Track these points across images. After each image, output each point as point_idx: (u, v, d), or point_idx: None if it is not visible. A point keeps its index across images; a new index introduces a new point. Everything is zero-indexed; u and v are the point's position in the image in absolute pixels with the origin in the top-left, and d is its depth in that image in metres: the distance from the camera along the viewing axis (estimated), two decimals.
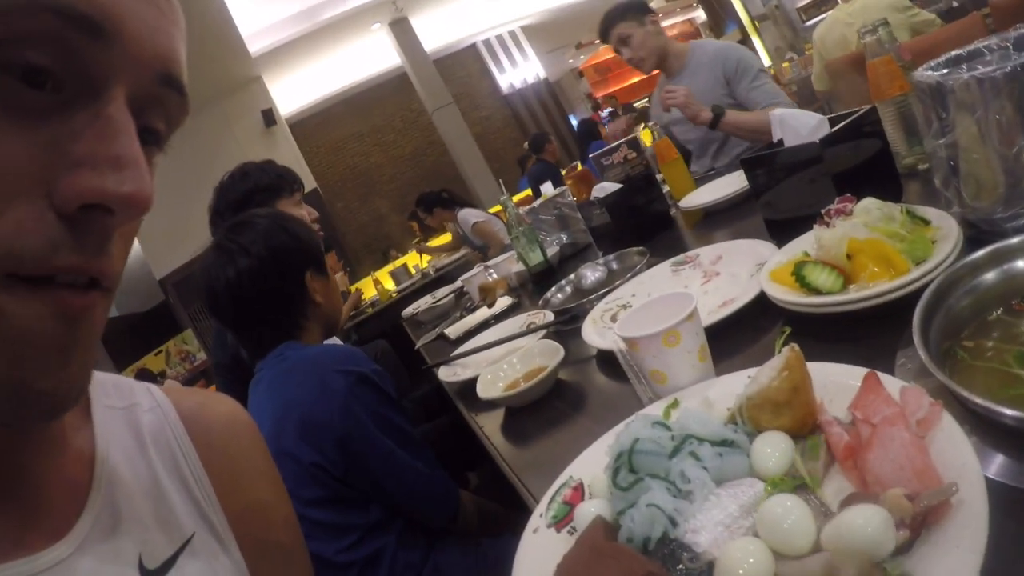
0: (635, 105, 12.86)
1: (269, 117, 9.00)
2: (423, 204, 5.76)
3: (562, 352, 1.23)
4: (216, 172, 2.29)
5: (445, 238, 6.44)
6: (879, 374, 0.64)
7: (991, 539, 0.44)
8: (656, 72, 2.98)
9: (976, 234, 0.90)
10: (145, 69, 0.46)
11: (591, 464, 0.77)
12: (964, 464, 0.50)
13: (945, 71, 0.89)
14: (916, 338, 0.65)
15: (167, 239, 7.50)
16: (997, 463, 0.55)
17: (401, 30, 10.14)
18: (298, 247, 1.47)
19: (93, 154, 0.42)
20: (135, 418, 0.71)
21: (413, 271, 6.36)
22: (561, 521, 0.72)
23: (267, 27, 8.38)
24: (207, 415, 0.78)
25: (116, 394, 0.72)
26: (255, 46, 8.21)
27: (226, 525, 0.72)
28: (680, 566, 0.54)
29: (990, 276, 0.74)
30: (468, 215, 5.26)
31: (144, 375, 5.34)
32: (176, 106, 0.52)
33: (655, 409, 0.80)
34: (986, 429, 0.57)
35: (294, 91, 10.13)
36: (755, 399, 0.64)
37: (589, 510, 0.66)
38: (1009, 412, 0.52)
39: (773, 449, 0.61)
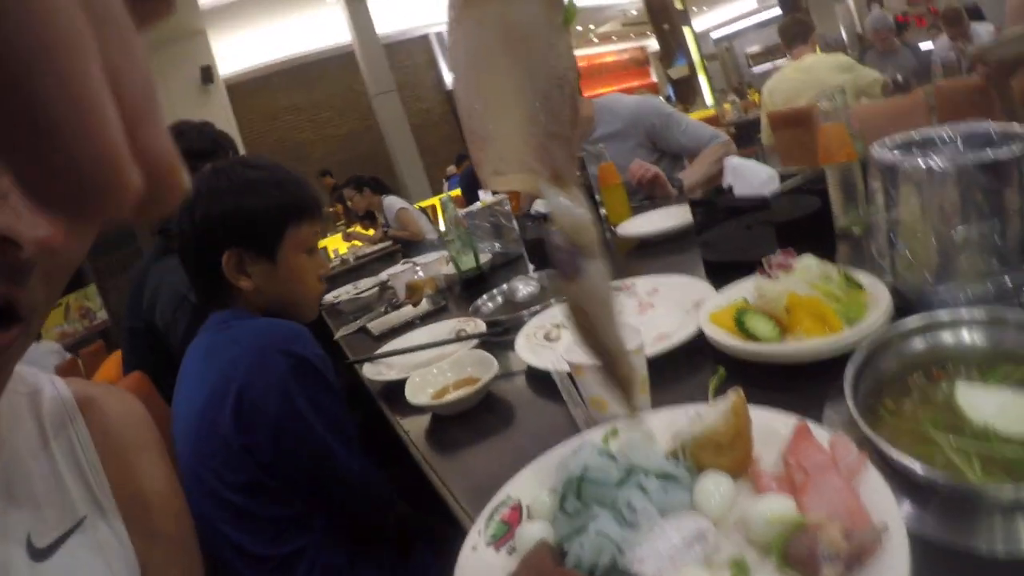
0: None
1: (207, 74, 8.71)
2: (357, 181, 5.88)
3: (495, 366, 1.23)
4: None
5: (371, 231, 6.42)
6: (809, 423, 0.68)
7: None
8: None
9: (903, 304, 0.95)
10: None
11: (529, 485, 0.78)
12: (887, 510, 0.55)
13: (901, 153, 0.96)
14: (848, 393, 0.70)
15: None
16: (904, 512, 0.60)
17: (356, 7, 9.99)
18: (222, 224, 1.28)
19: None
20: (37, 404, 0.74)
21: (332, 256, 6.22)
22: (501, 539, 0.72)
23: None
24: (104, 407, 0.82)
25: (20, 381, 0.75)
26: None
27: (116, 512, 0.75)
28: None
29: (917, 343, 0.81)
30: (394, 202, 5.44)
31: None
32: None
33: (595, 435, 0.82)
34: (899, 483, 0.62)
35: (236, 51, 9.81)
36: (700, 439, 0.67)
37: (531, 533, 0.67)
38: (927, 470, 0.59)
39: (716, 487, 0.64)
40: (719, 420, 0.67)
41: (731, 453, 0.66)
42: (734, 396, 0.69)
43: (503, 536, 0.72)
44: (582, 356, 0.88)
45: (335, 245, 6.82)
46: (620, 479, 0.64)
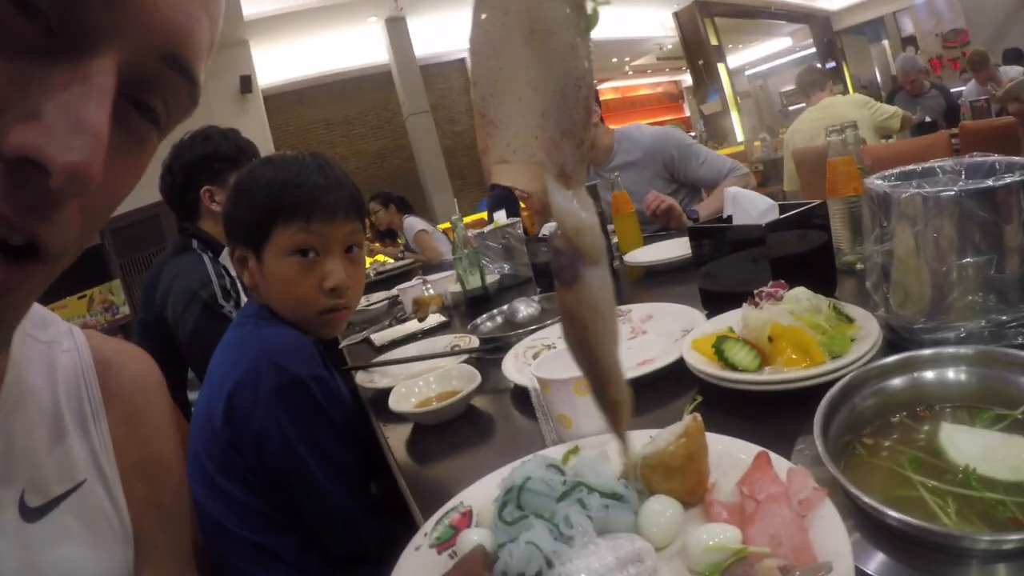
0: None
1: (246, 84, 8.80)
2: (384, 197, 5.88)
3: (478, 379, 1.23)
4: (180, 127, 2.20)
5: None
6: (770, 454, 0.66)
7: None
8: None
9: (895, 339, 0.93)
10: (147, 41, 0.42)
11: (484, 493, 0.77)
12: (838, 551, 0.52)
13: (896, 183, 0.93)
14: (816, 429, 0.67)
15: None
16: (877, 560, 0.57)
17: (396, 28, 10.15)
18: (232, 214, 1.28)
19: (54, 109, 0.37)
20: (53, 355, 0.72)
21: None
22: (444, 543, 0.71)
23: None
24: (121, 365, 0.80)
25: (41, 326, 0.73)
26: (249, 9, 8.08)
27: (117, 478, 0.73)
28: None
29: (898, 381, 0.77)
30: (415, 222, 5.44)
31: None
32: (181, 93, 0.48)
33: (555, 452, 0.81)
34: (870, 526, 0.59)
35: (276, 63, 9.95)
36: (650, 460, 0.65)
37: (472, 538, 0.66)
38: (892, 513, 0.54)
39: (664, 509, 0.63)
40: (671, 443, 0.65)
41: (681, 478, 0.64)
42: (690, 420, 0.67)
43: (448, 540, 0.71)
44: (550, 372, 0.87)
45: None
46: (563, 493, 0.63)
